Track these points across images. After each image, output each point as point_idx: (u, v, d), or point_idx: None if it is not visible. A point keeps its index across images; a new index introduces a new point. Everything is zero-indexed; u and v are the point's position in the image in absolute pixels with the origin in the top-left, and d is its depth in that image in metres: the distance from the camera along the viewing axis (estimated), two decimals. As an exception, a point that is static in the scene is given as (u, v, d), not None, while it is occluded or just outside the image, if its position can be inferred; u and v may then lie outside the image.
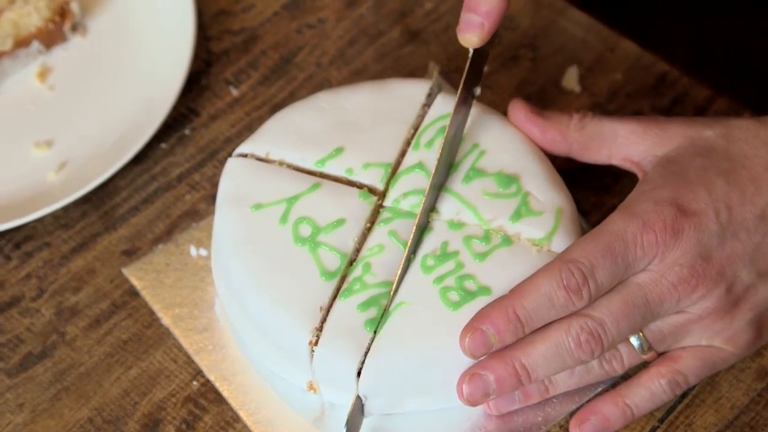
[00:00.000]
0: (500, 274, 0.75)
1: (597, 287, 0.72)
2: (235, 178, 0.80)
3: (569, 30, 0.97)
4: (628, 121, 0.79)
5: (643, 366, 0.77)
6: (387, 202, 0.79)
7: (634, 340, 0.75)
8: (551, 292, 0.72)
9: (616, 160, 0.80)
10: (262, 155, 0.81)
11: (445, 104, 0.82)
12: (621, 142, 0.79)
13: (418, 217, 0.77)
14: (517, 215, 0.77)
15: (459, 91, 0.78)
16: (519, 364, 0.73)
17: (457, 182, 0.79)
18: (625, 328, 0.73)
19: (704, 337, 0.75)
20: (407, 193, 0.79)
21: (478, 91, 0.81)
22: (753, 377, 0.80)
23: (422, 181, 0.79)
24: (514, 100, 0.82)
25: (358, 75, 0.96)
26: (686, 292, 0.73)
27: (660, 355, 0.76)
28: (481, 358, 0.73)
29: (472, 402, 0.74)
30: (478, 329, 0.72)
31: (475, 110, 0.82)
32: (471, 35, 0.76)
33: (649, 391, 0.76)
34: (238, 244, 0.78)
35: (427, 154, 0.80)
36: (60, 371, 0.82)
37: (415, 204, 0.78)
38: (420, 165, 0.80)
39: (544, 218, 0.77)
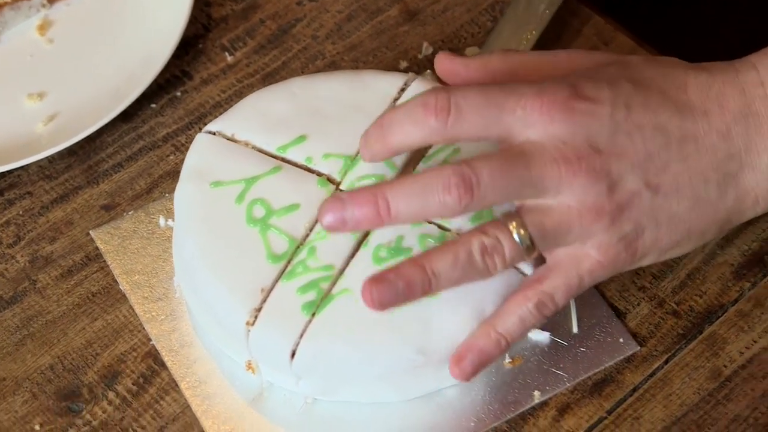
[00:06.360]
0: None
1: (458, 115, 0.71)
2: (200, 153, 0.81)
3: (566, 20, 0.97)
4: (556, 53, 0.78)
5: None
6: (343, 187, 0.79)
7: (515, 236, 0.71)
8: (413, 106, 0.72)
9: None
10: (229, 135, 0.82)
11: (417, 92, 0.81)
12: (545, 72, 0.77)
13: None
14: (478, 217, 0.77)
15: None
16: (381, 195, 0.71)
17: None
18: (500, 187, 0.70)
19: (581, 237, 0.72)
20: (363, 177, 0.79)
21: None
22: (706, 376, 0.80)
23: (381, 167, 0.79)
24: (440, 52, 0.80)
25: (352, 50, 0.97)
26: (568, 174, 0.71)
27: (542, 260, 0.75)
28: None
29: (331, 225, 0.71)
30: (361, 139, 0.74)
31: None
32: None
33: (518, 316, 0.73)
34: (193, 218, 0.79)
35: None
36: (27, 317, 0.84)
37: None
38: None
39: None
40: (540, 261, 0.75)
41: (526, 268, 0.77)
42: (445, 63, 0.79)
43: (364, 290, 0.71)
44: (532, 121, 0.71)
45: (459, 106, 0.71)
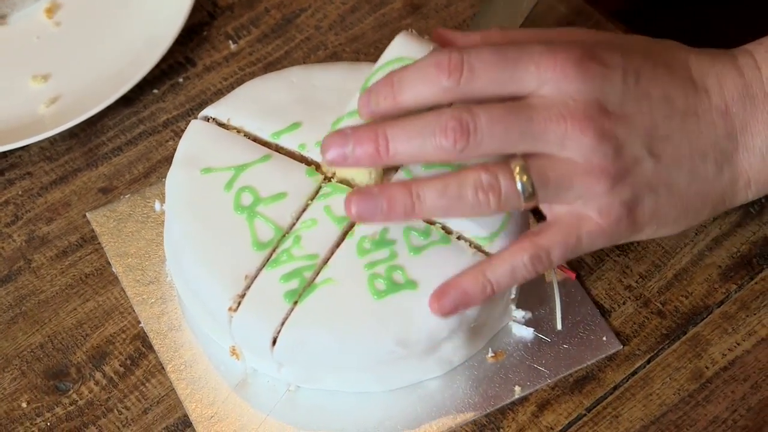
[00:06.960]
0: (430, 270, 0.75)
1: (471, 74, 0.71)
2: (193, 139, 0.82)
3: (558, 9, 0.98)
4: (557, 29, 0.78)
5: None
6: (333, 178, 0.80)
7: (517, 181, 0.71)
8: (426, 65, 0.72)
9: None
10: (224, 120, 0.83)
11: (400, 46, 0.80)
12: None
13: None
14: None
15: None
16: (382, 131, 0.72)
17: (416, 165, 0.79)
18: (498, 134, 0.70)
19: (582, 196, 0.72)
20: None
21: None
22: (687, 377, 0.80)
23: None
24: (438, 28, 0.80)
25: (354, 41, 0.97)
26: (574, 131, 0.71)
27: (542, 218, 0.75)
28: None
29: (334, 160, 0.73)
30: (365, 96, 0.74)
31: None
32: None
33: (510, 265, 0.73)
34: (182, 203, 0.80)
35: None
36: (21, 296, 0.85)
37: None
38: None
39: (492, 218, 0.77)
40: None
41: None
42: (443, 36, 0.79)
43: (346, 201, 0.72)
44: (546, 78, 0.72)
45: (472, 64, 0.71)
